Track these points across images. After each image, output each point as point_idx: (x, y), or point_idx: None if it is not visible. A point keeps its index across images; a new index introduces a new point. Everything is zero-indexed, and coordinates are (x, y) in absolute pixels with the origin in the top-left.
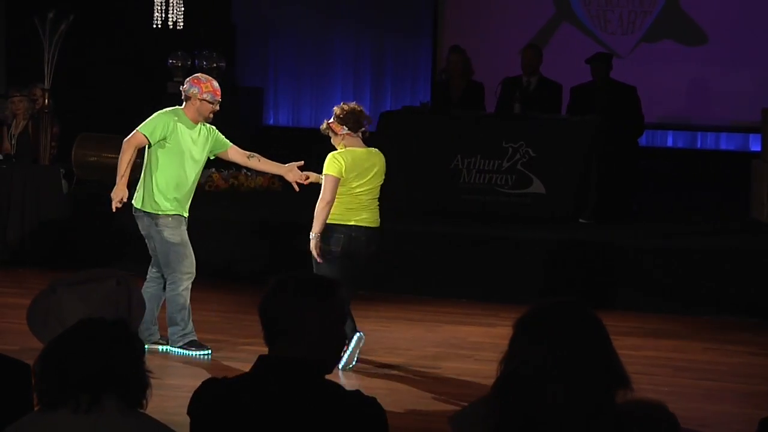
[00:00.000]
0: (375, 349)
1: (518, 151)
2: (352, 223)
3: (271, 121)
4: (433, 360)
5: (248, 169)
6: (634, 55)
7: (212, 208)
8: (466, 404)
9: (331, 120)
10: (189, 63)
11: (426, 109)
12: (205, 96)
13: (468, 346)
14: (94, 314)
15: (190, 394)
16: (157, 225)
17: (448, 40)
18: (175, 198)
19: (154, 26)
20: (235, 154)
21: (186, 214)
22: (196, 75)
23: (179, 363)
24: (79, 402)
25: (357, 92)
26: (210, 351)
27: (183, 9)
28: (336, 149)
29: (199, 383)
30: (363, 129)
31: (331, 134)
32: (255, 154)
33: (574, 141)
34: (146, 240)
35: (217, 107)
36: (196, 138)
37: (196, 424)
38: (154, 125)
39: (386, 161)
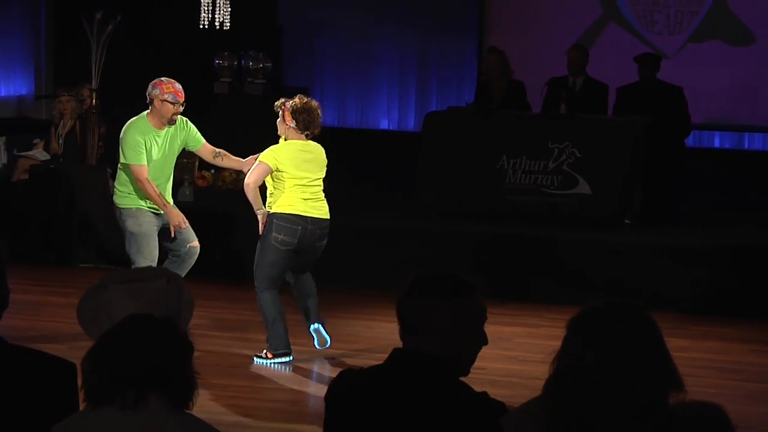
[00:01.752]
0: None
1: (564, 152)
2: (307, 215)
3: None
4: (478, 360)
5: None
6: (681, 55)
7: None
8: (511, 404)
9: (288, 105)
10: (235, 63)
11: (471, 109)
12: (166, 97)
13: (513, 346)
14: (143, 312)
15: (235, 395)
16: (123, 218)
17: (493, 40)
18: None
19: (201, 27)
20: (205, 151)
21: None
22: (159, 78)
23: (225, 363)
24: (125, 399)
25: (402, 93)
26: None
27: (230, 10)
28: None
29: (243, 384)
30: (308, 132)
31: (280, 116)
32: (222, 151)
33: (620, 141)
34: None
35: (180, 109)
36: (165, 139)
37: (331, 411)
38: (136, 151)
39: (432, 162)
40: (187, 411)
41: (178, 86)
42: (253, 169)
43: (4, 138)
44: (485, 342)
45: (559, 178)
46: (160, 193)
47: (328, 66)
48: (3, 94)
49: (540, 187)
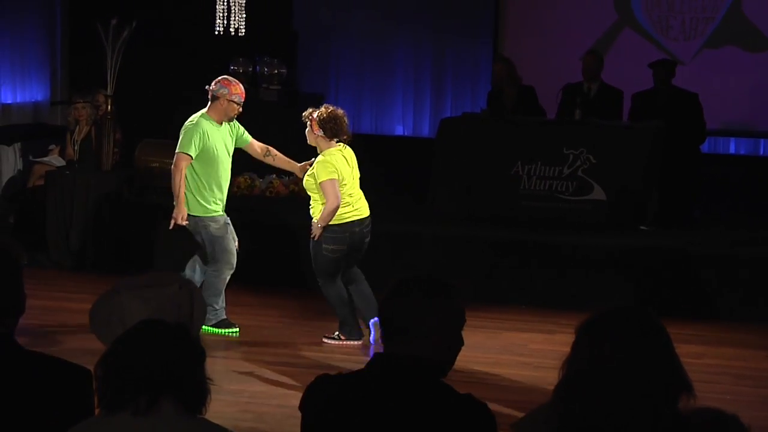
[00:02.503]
0: None
1: (579, 158)
2: (351, 219)
3: None
4: (493, 366)
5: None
6: (696, 61)
7: (274, 214)
8: (525, 411)
9: (315, 115)
10: (250, 69)
11: (486, 115)
12: (233, 98)
13: (528, 352)
14: (155, 317)
15: (250, 401)
16: (203, 223)
17: (508, 45)
18: (219, 199)
19: (216, 33)
20: (254, 148)
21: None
22: (224, 76)
23: (239, 369)
24: (138, 404)
25: (417, 98)
26: (237, 330)
27: (245, 16)
28: (307, 139)
29: (258, 390)
30: (337, 140)
31: (308, 126)
32: (271, 149)
33: (635, 147)
34: (194, 236)
35: (240, 109)
36: (225, 137)
37: (308, 419)
38: (190, 141)
39: (446, 167)
40: (200, 416)
41: (242, 88)
42: (327, 193)
43: (19, 144)
44: (463, 343)
45: (574, 184)
46: (181, 187)
47: (343, 72)
48: (19, 100)
49: (555, 193)
